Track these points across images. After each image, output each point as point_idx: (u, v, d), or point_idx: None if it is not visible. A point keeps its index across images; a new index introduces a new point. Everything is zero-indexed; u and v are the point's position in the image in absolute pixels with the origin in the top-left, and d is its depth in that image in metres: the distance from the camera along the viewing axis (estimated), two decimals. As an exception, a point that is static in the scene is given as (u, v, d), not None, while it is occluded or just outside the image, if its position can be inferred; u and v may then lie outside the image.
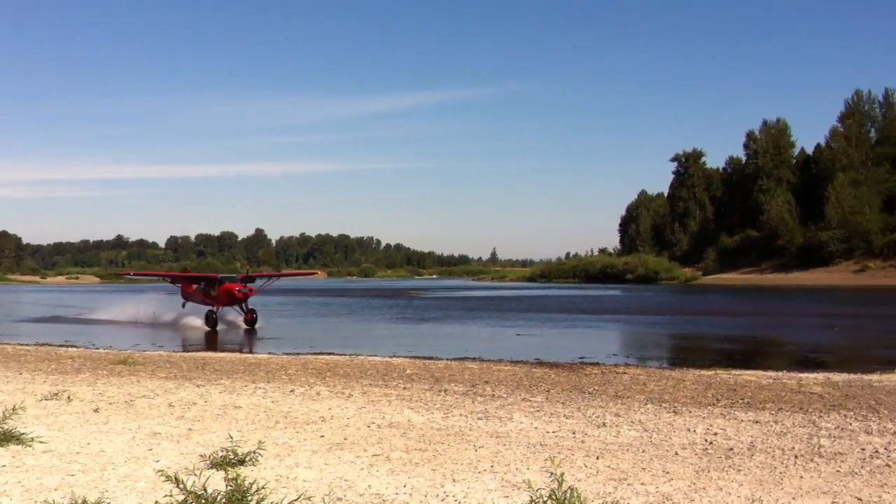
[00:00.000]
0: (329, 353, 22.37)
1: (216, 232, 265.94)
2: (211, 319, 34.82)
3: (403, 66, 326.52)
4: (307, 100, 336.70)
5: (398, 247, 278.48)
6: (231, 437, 8.91)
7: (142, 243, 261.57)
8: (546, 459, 8.46)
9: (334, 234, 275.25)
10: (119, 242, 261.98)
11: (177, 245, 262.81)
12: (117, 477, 7.70)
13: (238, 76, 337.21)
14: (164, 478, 5.76)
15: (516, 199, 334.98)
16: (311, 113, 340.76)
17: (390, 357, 20.94)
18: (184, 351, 24.93)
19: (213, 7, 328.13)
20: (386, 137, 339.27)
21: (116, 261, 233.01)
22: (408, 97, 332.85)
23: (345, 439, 9.64)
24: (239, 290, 34.80)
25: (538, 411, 11.98)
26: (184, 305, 38.42)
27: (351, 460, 8.50)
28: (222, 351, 24.89)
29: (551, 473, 6.15)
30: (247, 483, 5.93)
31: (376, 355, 21.43)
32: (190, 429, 10.28)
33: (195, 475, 6.14)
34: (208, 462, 7.94)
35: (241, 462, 7.85)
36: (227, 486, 5.75)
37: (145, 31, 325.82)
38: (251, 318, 35.54)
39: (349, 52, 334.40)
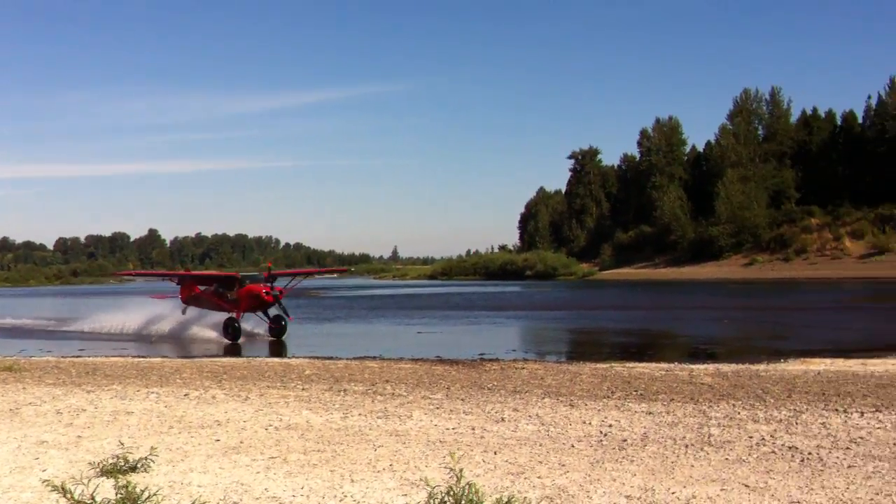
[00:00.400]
0: (225, 356, 21.98)
1: (107, 233, 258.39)
2: (231, 330, 28.71)
3: (302, 62, 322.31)
4: (202, 97, 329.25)
5: (298, 246, 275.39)
6: (122, 444, 8.65)
7: (29, 245, 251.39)
8: (445, 456, 8.50)
9: (231, 233, 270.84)
10: (4, 245, 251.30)
11: (66, 247, 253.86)
12: (1, 488, 7.40)
13: (128, 72, 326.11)
14: (50, 488, 5.57)
15: (418, 197, 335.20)
16: (207, 110, 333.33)
17: (289, 358, 20.71)
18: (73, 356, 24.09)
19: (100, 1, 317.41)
20: (285, 135, 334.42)
21: (2, 263, 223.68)
22: (307, 94, 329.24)
23: (241, 443, 9.49)
24: (268, 293, 28.70)
25: (438, 408, 12.02)
26: (184, 312, 31.72)
27: (247, 464, 8.37)
28: (115, 356, 24.15)
29: (450, 470, 6.20)
30: (138, 490, 5.78)
31: (275, 357, 21.17)
32: (79, 436, 9.95)
33: (83, 484, 5.93)
34: (98, 470, 7.70)
35: (133, 469, 7.65)
36: (116, 494, 5.59)
37: (25, 27, 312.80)
38: (278, 327, 29.44)
39: (245, 47, 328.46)
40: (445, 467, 7.78)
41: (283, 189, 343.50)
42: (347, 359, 20.33)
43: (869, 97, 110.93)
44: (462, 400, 12.89)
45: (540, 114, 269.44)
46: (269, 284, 29.33)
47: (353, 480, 7.66)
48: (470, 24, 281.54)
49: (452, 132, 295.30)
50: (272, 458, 8.64)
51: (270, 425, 10.67)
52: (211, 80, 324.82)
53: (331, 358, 20.60)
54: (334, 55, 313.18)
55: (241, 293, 29.01)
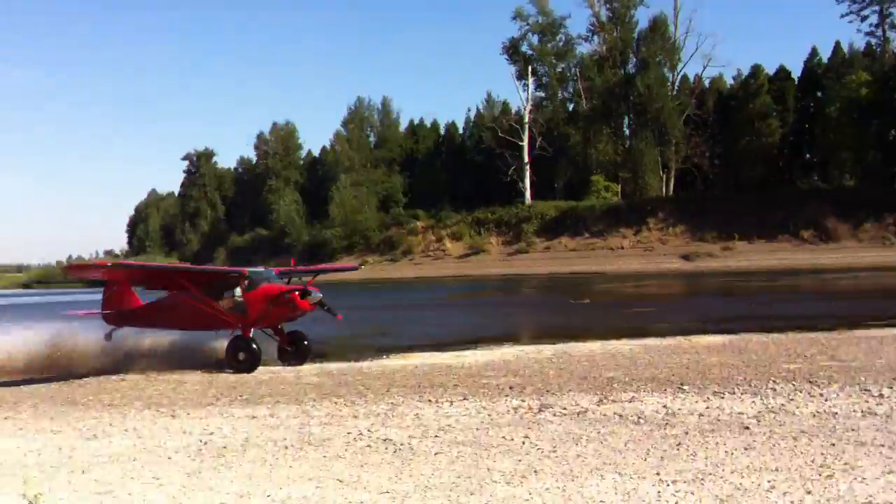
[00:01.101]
0: None
1: None
2: (245, 353, 17.82)
3: None
4: None
5: None
6: None
7: None
8: (24, 482, 7.78)
9: None
10: None
11: None
12: None
13: None
14: None
15: (4, 199, 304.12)
16: None
17: None
18: None
19: None
20: None
21: None
22: None
23: None
24: (303, 295, 18.48)
25: (21, 430, 11.03)
26: (109, 337, 20.28)
27: None
28: None
29: (24, 496, 5.73)
30: None
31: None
32: None
33: None
34: None
35: None
36: None
37: None
38: (297, 349, 19.57)
39: None
40: (22, 494, 7.10)
41: None
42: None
43: (469, 109, 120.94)
44: (51, 418, 11.93)
45: (150, 113, 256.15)
46: (302, 283, 19.59)
47: None
48: (71, 17, 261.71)
49: (44, 128, 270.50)
50: None
51: None
52: None
53: None
54: None
55: (254, 297, 18.38)
